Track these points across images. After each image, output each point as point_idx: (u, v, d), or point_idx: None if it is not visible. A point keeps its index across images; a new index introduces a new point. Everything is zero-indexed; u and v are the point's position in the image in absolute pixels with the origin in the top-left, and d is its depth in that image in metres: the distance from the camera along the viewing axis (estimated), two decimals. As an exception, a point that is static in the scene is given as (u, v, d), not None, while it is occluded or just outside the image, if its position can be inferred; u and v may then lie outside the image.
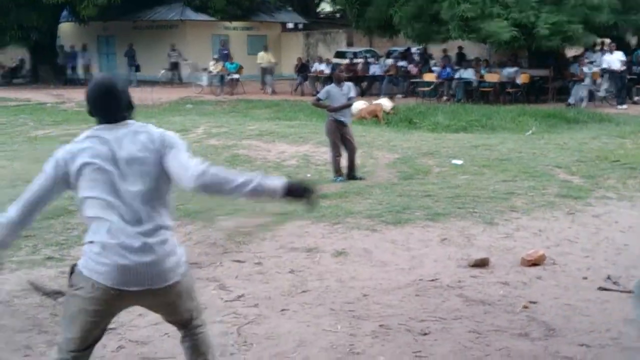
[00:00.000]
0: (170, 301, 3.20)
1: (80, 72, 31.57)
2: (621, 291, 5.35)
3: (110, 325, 4.70)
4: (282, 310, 5.02)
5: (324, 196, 8.88)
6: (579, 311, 4.97)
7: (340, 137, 10.06)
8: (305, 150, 12.49)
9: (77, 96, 24.30)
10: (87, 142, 3.08)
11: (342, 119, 10.08)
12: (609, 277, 5.66)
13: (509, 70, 21.61)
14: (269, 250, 6.44)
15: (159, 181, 3.07)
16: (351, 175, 10.13)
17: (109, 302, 3.05)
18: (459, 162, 10.80)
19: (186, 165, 3.02)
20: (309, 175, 10.79)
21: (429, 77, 23.29)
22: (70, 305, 3.12)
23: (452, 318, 4.82)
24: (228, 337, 4.54)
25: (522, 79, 21.55)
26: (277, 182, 3.02)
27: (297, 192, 3.02)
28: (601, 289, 5.43)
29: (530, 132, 15.01)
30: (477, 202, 8.13)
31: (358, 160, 10.57)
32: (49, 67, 31.13)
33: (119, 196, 3.00)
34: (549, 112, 17.82)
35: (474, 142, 12.89)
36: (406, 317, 4.86)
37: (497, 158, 11.21)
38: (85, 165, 3.02)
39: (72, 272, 3.11)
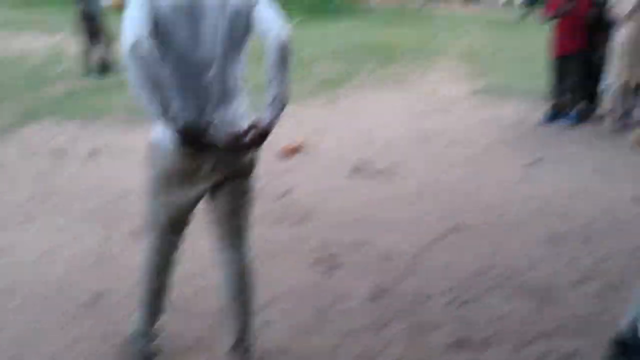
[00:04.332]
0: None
1: None
2: (366, 174, 5.76)
3: None
4: (24, 221, 4.67)
5: (75, 93, 8.47)
6: (331, 195, 5.26)
7: (92, 27, 9.48)
8: (57, 41, 11.63)
9: None
10: None
11: (93, 7, 9.49)
12: (358, 163, 6.02)
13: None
14: (10, 155, 6.03)
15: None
16: (107, 68, 9.68)
17: None
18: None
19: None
20: (59, 69, 10.15)
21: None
22: None
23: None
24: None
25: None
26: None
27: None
28: (352, 173, 5.79)
29: (296, 22, 15.15)
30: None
31: (115, 54, 10.09)
32: None
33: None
34: (312, 2, 18.11)
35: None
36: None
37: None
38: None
39: None
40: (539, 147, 6.53)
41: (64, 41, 11.53)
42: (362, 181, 5.62)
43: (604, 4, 7.13)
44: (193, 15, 2.55)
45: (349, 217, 4.82)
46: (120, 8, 12.37)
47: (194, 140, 2.56)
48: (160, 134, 2.62)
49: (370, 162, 6.02)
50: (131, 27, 2.37)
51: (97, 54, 9.82)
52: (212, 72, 2.62)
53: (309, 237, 4.48)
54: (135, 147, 6.22)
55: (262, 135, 2.66)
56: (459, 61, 10.83)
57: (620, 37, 6.82)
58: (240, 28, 2.62)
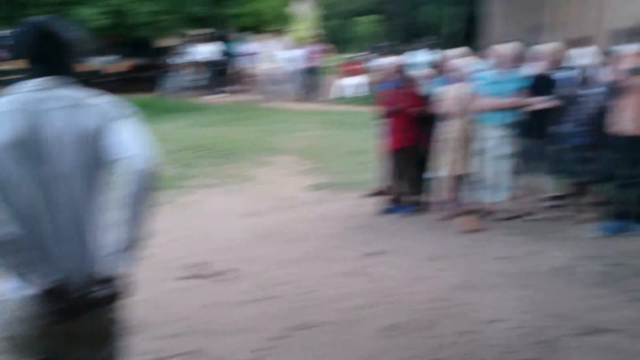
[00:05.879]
0: None
1: None
2: (202, 277, 5.55)
3: None
4: None
5: None
6: (165, 302, 4.98)
7: None
8: None
9: None
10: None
11: None
12: (193, 265, 5.81)
13: (107, 59, 21.29)
14: None
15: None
16: None
17: None
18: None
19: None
20: None
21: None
22: None
23: None
24: None
25: (119, 67, 21.39)
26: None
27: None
28: (187, 276, 5.55)
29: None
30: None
31: None
32: None
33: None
34: (146, 101, 17.90)
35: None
36: None
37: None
38: None
39: None
40: (377, 239, 6.61)
41: None
42: (198, 285, 5.40)
43: (429, 99, 7.47)
44: (31, 154, 2.10)
45: (185, 325, 4.59)
46: None
47: (62, 301, 2.14)
48: (13, 287, 2.14)
49: (207, 264, 5.83)
50: None
51: None
52: (68, 214, 2.18)
53: (142, 351, 4.17)
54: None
55: (116, 294, 2.30)
56: (296, 157, 10.97)
57: (446, 132, 7.12)
58: (96, 156, 2.22)
